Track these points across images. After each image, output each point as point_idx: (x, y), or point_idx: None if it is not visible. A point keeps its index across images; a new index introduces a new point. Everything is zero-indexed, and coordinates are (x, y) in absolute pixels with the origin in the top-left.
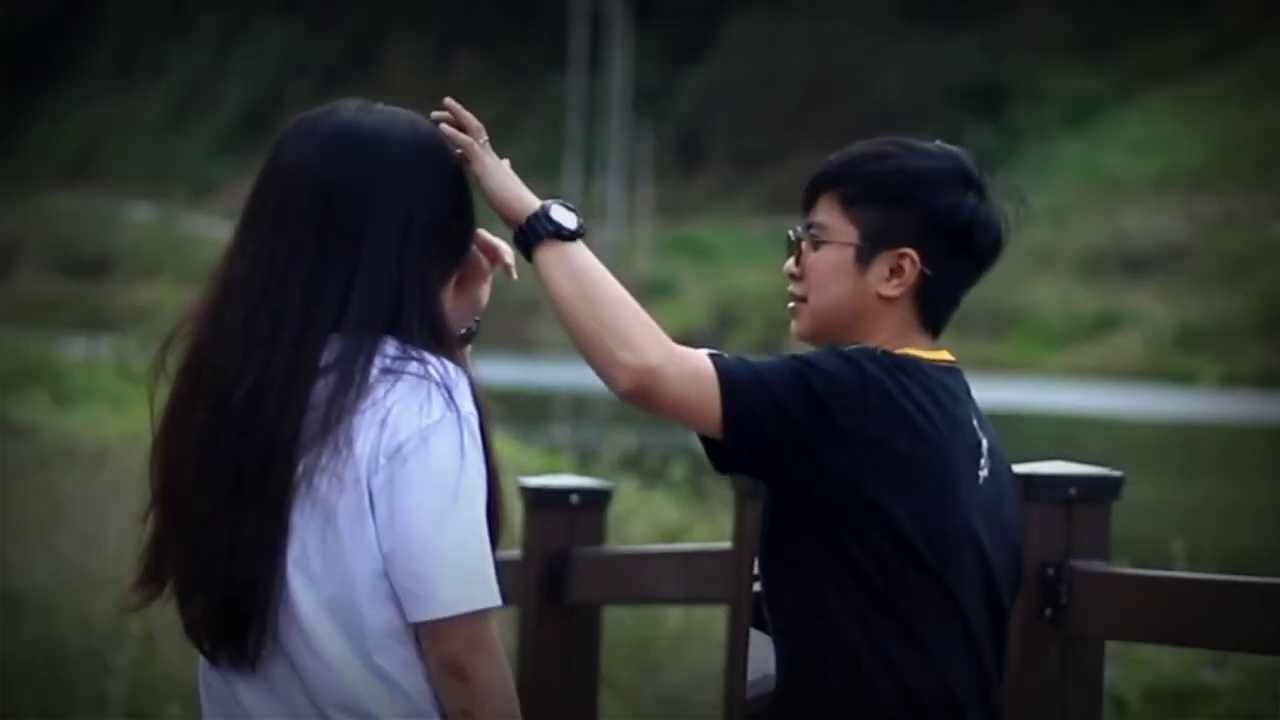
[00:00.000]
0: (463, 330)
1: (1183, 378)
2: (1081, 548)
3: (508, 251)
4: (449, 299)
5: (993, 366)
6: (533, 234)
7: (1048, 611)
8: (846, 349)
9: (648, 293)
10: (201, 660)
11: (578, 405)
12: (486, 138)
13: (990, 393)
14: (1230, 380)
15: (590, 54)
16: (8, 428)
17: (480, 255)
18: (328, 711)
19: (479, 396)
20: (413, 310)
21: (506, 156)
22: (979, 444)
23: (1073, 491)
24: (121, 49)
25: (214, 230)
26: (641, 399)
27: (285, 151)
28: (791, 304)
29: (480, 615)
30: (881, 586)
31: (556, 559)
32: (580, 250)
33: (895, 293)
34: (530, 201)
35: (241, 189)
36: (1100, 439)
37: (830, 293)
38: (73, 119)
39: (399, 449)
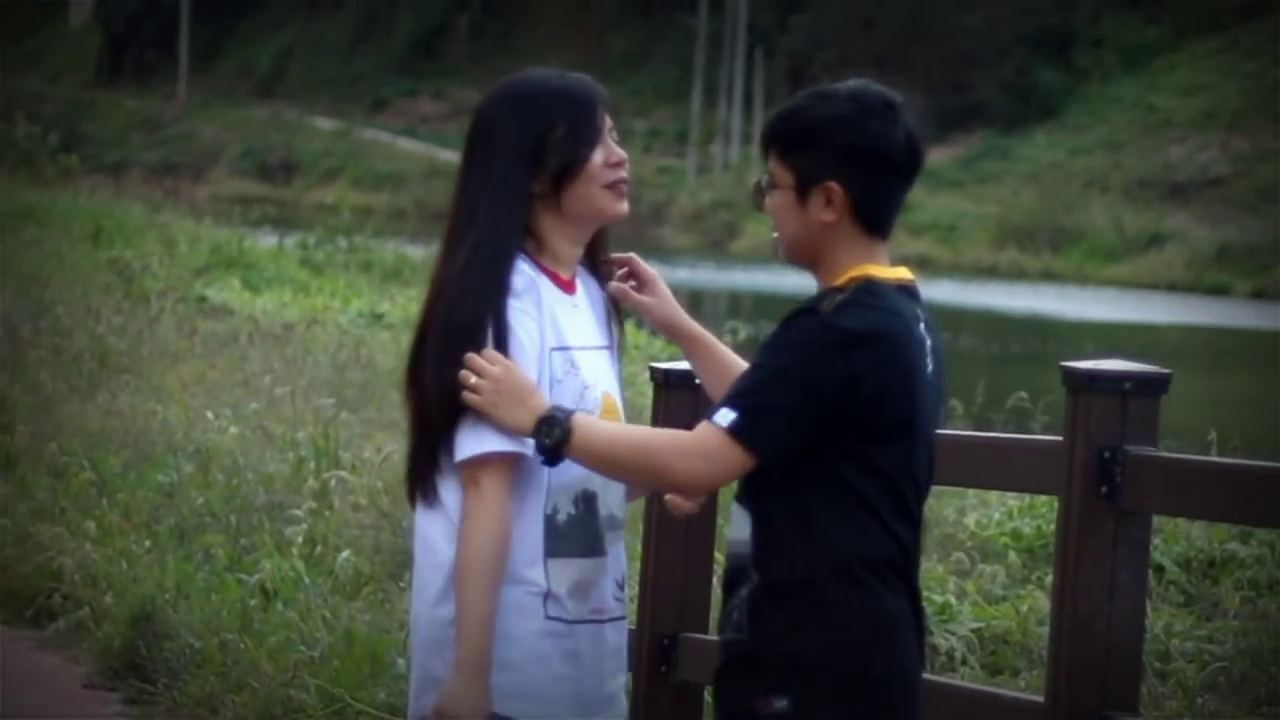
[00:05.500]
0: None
1: (1219, 290)
2: (1134, 434)
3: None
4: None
5: (1053, 278)
6: (550, 453)
7: (1104, 489)
8: (811, 321)
9: (757, 206)
10: None
11: (695, 300)
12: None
13: (1051, 301)
14: (1260, 293)
15: None
16: (206, 307)
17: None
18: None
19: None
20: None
21: (640, 84)
22: (924, 343)
23: (1127, 386)
24: None
25: (386, 141)
26: (708, 493)
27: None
28: (774, 235)
29: (475, 461)
30: (854, 480)
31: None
32: (580, 439)
33: (832, 218)
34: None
35: (410, 106)
36: (1145, 342)
37: (788, 228)
38: (265, 42)
39: None
